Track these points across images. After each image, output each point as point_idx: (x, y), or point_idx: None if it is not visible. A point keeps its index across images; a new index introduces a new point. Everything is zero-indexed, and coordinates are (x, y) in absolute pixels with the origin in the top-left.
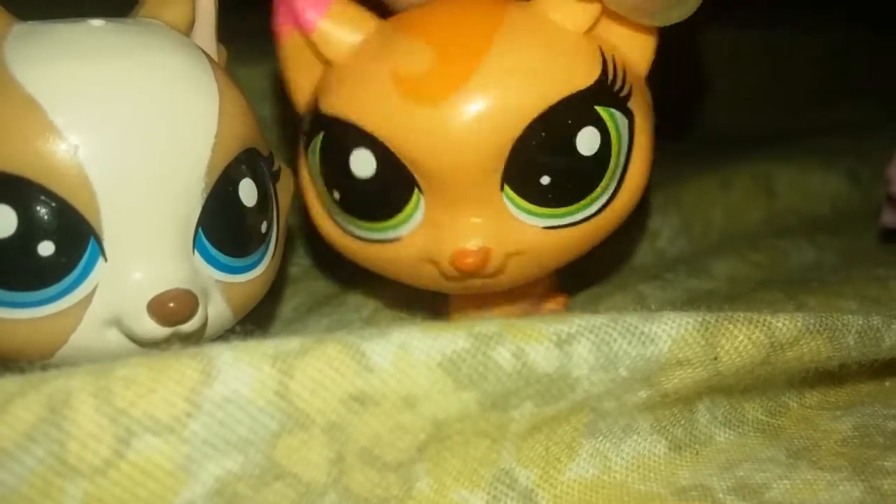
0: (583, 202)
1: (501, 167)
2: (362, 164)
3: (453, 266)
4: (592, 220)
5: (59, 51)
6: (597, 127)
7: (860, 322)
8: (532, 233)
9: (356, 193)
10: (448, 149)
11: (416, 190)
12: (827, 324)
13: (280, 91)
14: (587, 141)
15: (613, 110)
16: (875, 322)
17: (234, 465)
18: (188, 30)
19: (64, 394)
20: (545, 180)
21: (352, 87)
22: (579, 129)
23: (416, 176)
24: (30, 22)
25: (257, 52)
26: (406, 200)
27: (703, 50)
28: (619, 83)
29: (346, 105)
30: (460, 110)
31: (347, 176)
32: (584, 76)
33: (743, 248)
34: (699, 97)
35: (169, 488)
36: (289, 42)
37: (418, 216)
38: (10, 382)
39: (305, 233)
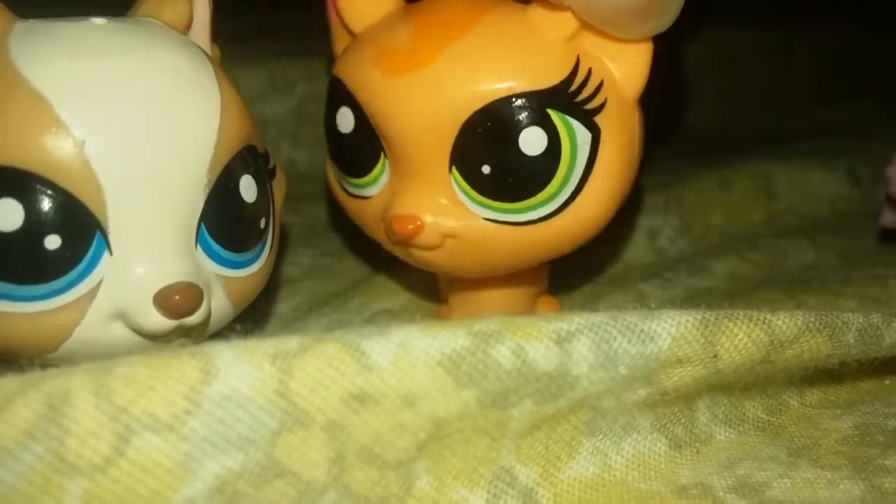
0: (526, 202)
1: (449, 148)
2: (345, 120)
3: (390, 229)
4: (540, 226)
5: (64, 48)
6: (545, 129)
7: (860, 320)
8: (473, 220)
9: (340, 148)
10: (405, 119)
11: (382, 154)
12: (827, 322)
13: (277, 92)
14: (532, 141)
15: (570, 119)
16: (875, 320)
17: (235, 463)
18: (186, 29)
19: (64, 392)
20: (486, 169)
21: (350, 54)
22: (525, 126)
23: (382, 141)
24: (32, 20)
25: (255, 53)
26: (375, 162)
27: (703, 50)
28: (585, 94)
29: (342, 68)
30: (420, 85)
31: (334, 129)
32: (543, 78)
33: (743, 248)
34: (699, 98)
35: (169, 486)
36: (335, 29)
37: (383, 180)
38: (11, 381)
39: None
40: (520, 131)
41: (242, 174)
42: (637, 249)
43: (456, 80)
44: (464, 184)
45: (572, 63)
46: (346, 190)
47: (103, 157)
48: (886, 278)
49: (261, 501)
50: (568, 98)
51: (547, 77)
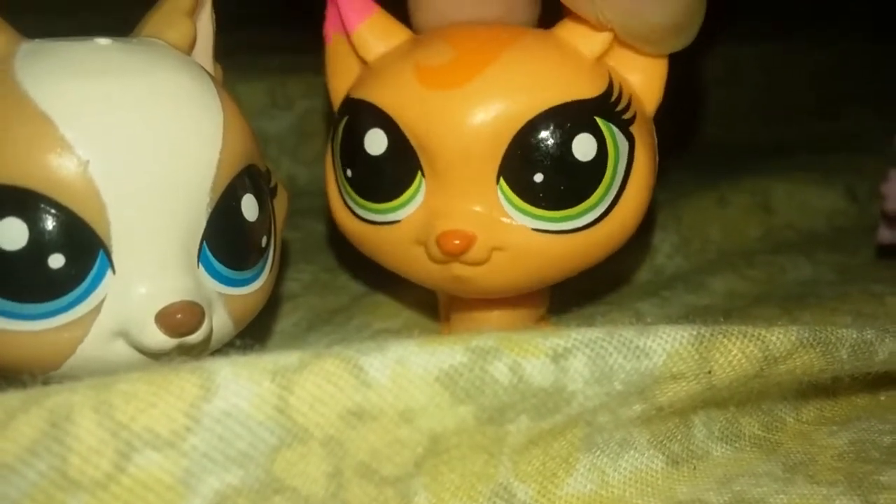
0: (574, 209)
1: (499, 159)
2: (375, 142)
3: (438, 245)
4: (582, 234)
5: (69, 68)
6: (594, 136)
7: (854, 336)
8: (520, 231)
9: (366, 171)
10: (452, 133)
11: (419, 173)
12: (820, 337)
13: (277, 108)
14: (583, 146)
15: (614, 127)
16: (868, 336)
17: (234, 479)
18: (189, 49)
19: (65, 408)
20: (538, 178)
21: (377, 76)
22: (577, 133)
23: (420, 158)
24: (37, 40)
25: (255, 68)
26: (409, 183)
27: (701, 64)
28: (622, 105)
29: (369, 89)
30: (468, 98)
31: (361, 153)
32: (588, 89)
33: (740, 264)
34: (697, 112)
35: (169, 502)
36: (333, 45)
37: (418, 200)
38: (12, 397)
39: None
40: (573, 138)
41: (244, 193)
42: (635, 268)
43: (507, 90)
44: (511, 195)
45: (606, 76)
46: (363, 219)
47: (107, 176)
48: (883, 295)
49: None
50: (611, 107)
51: (591, 88)
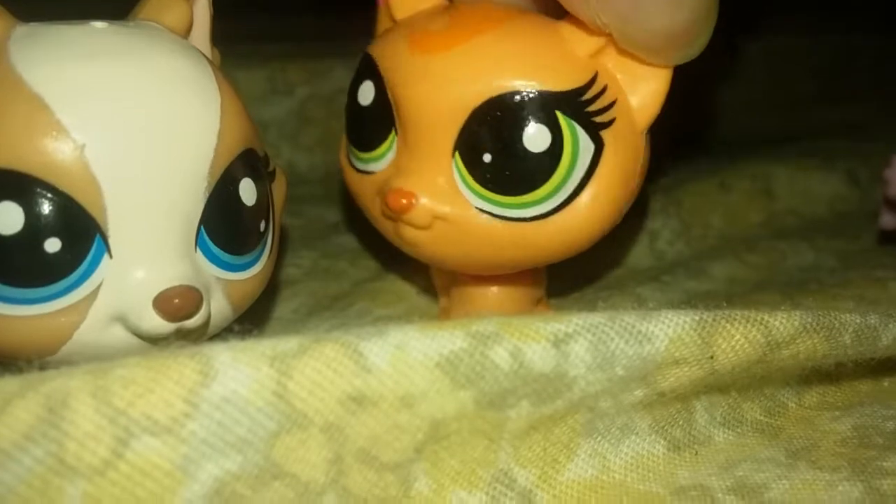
0: (518, 198)
1: (457, 131)
2: (365, 93)
3: (385, 200)
4: (527, 225)
5: (64, 51)
6: (550, 129)
7: (857, 321)
8: (463, 206)
9: (355, 119)
10: (421, 96)
11: (392, 130)
12: (824, 322)
13: (277, 94)
14: (535, 137)
15: (577, 125)
16: (872, 321)
17: (233, 465)
18: (186, 33)
19: (62, 394)
20: (486, 157)
21: (385, 35)
22: (531, 122)
23: (395, 116)
24: (32, 23)
25: (255, 55)
26: (384, 138)
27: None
28: (596, 107)
29: (374, 46)
30: (442, 66)
31: (354, 102)
32: (560, 82)
33: (741, 250)
34: (699, 100)
35: (167, 488)
36: (381, 15)
37: (389, 156)
38: (9, 383)
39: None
40: (525, 126)
41: (242, 177)
42: (636, 252)
43: (475, 66)
44: (463, 170)
45: (590, 76)
46: (353, 165)
47: (103, 160)
48: (885, 280)
49: (259, 503)
50: (579, 105)
51: (563, 81)
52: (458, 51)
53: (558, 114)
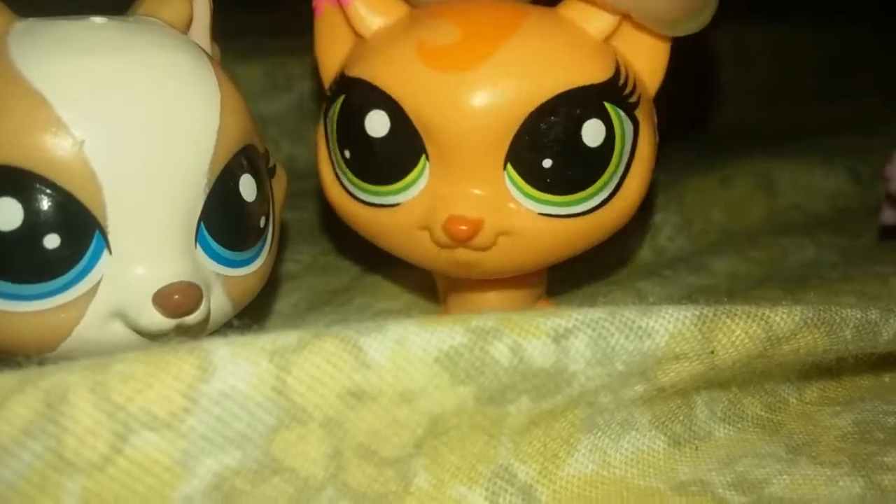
0: (580, 194)
1: (507, 144)
2: (377, 124)
3: (445, 231)
4: (587, 218)
5: (64, 47)
6: (603, 121)
7: (858, 316)
8: (527, 216)
9: (366, 153)
10: (460, 117)
11: (423, 157)
12: (824, 318)
13: (276, 89)
14: (592, 132)
15: (621, 111)
16: (873, 316)
17: (232, 461)
18: (186, 28)
19: (61, 389)
20: (547, 163)
21: (377, 54)
22: (587, 118)
23: (425, 142)
24: (31, 19)
25: (254, 50)
26: (412, 166)
27: (706, 47)
28: (628, 89)
29: (369, 69)
30: (478, 82)
31: (361, 135)
32: (598, 73)
33: (743, 245)
34: (701, 94)
35: (166, 483)
36: (324, 18)
37: (421, 184)
38: (7, 378)
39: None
40: (583, 123)
41: (242, 173)
42: (637, 248)
43: (517, 75)
44: (519, 180)
45: (613, 60)
46: (361, 201)
47: (102, 156)
48: (886, 276)
49: (259, 498)
50: (619, 92)
51: (600, 72)
52: (490, 63)
53: (606, 105)
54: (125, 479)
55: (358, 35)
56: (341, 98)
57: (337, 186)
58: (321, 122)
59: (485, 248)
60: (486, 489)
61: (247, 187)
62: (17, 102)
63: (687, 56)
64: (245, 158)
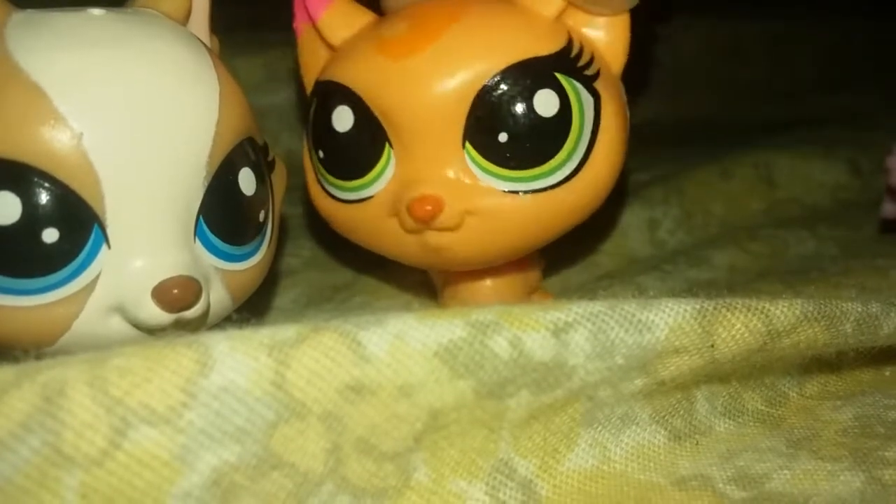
0: (542, 167)
1: (462, 122)
2: (342, 119)
3: (409, 213)
4: (553, 193)
5: (62, 39)
6: (556, 91)
7: (858, 309)
8: (491, 193)
9: (336, 150)
10: (414, 100)
11: (386, 145)
12: (825, 311)
13: (275, 82)
14: (545, 102)
15: (576, 82)
16: (873, 309)
17: (231, 456)
18: (184, 20)
19: (59, 383)
20: (503, 137)
21: (342, 57)
22: (537, 89)
23: (386, 130)
24: (29, 10)
25: (254, 44)
26: (378, 156)
27: (704, 39)
28: (583, 61)
29: (334, 70)
30: (427, 64)
31: (330, 132)
32: (545, 46)
33: (743, 238)
34: (700, 87)
35: (165, 478)
36: (303, 37)
37: (388, 173)
38: (5, 372)
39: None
40: (534, 94)
41: (241, 167)
42: (637, 241)
43: (465, 52)
44: (479, 157)
45: (565, 34)
46: (337, 199)
47: (101, 149)
48: (887, 269)
49: (258, 493)
50: (571, 63)
51: (549, 45)
52: (437, 45)
53: (557, 75)
54: (124, 474)
55: (330, 47)
56: (314, 102)
57: (318, 189)
58: (305, 131)
59: (451, 229)
60: (487, 483)
61: (246, 181)
62: (16, 95)
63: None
64: (244, 151)
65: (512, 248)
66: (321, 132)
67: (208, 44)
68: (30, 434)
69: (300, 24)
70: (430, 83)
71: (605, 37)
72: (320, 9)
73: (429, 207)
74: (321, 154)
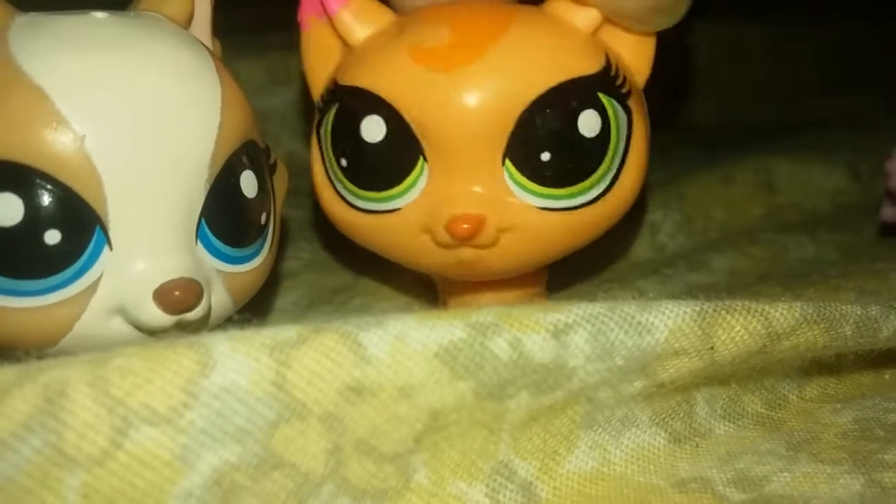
0: (579, 186)
1: (505, 140)
2: (372, 129)
3: (447, 231)
4: (586, 210)
5: (65, 42)
6: (598, 111)
7: (858, 312)
8: (527, 211)
9: (363, 160)
10: (457, 115)
11: (420, 158)
12: (824, 314)
13: (277, 84)
14: (588, 123)
15: (614, 101)
16: (873, 312)
17: (232, 456)
18: (187, 23)
19: (61, 384)
20: (545, 156)
21: (370, 60)
22: (582, 110)
23: (422, 143)
24: (31, 13)
25: (255, 46)
26: (410, 169)
27: (704, 43)
28: (620, 80)
29: (362, 75)
30: (473, 80)
31: (357, 142)
32: (589, 64)
33: (743, 242)
34: (700, 91)
35: (167, 479)
36: (311, 31)
37: (420, 186)
38: (7, 372)
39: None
40: (579, 114)
41: (243, 170)
42: (637, 245)
43: (511, 70)
44: (518, 175)
45: (603, 52)
46: (359, 208)
47: (104, 151)
48: (886, 272)
49: (259, 493)
50: (611, 82)
51: (591, 64)
52: (483, 61)
53: (600, 95)
54: (125, 474)
55: (346, 45)
56: (335, 107)
57: (334, 197)
58: (314, 132)
59: (487, 246)
60: (486, 485)
61: (248, 183)
62: (18, 98)
63: (685, 52)
64: (246, 154)
65: (542, 259)
66: (346, 141)
67: (210, 47)
68: (31, 434)
69: (307, 17)
70: (475, 98)
71: (633, 53)
72: (337, 4)
73: (467, 226)
74: (344, 163)
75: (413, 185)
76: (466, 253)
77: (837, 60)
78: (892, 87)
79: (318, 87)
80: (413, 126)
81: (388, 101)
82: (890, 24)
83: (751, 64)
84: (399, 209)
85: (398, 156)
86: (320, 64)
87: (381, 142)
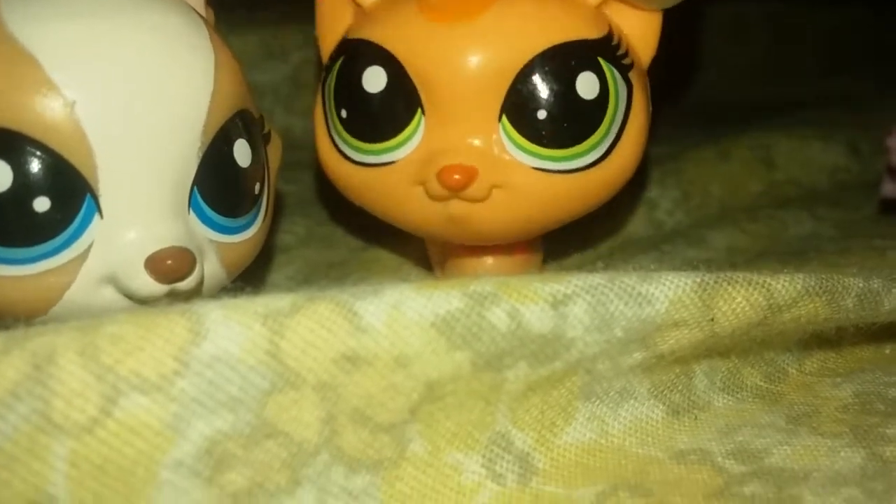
0: (575, 148)
1: (503, 95)
2: (374, 79)
3: (439, 180)
4: (580, 175)
5: (56, 9)
6: (597, 75)
7: (860, 285)
8: (521, 169)
9: (363, 110)
10: (456, 66)
11: (419, 110)
12: (826, 286)
13: (270, 59)
14: (586, 85)
15: (615, 70)
16: (875, 285)
17: (224, 424)
18: None
19: (49, 351)
20: (541, 115)
21: (378, 16)
22: (581, 71)
23: (421, 95)
24: None
25: (249, 20)
26: (408, 120)
27: (705, 20)
28: (622, 50)
29: (369, 29)
30: (474, 33)
31: (358, 92)
32: (592, 30)
33: (741, 219)
34: (700, 67)
35: (157, 447)
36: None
37: (416, 138)
38: None
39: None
40: (577, 75)
41: (237, 138)
42: (635, 222)
43: (514, 26)
44: (514, 132)
45: (608, 23)
46: (356, 162)
47: (94, 118)
48: (884, 249)
49: (251, 463)
50: (612, 50)
51: (594, 30)
52: (489, 14)
53: (600, 60)
54: (114, 443)
55: (358, 5)
56: (340, 60)
57: (332, 151)
58: (319, 91)
59: (478, 200)
60: (483, 456)
61: (241, 152)
62: (8, 64)
63: (686, 30)
64: (240, 122)
65: (533, 225)
66: (348, 91)
67: (204, 14)
68: (18, 402)
69: None
70: (476, 52)
71: (639, 31)
72: None
73: (458, 176)
74: (344, 114)
75: (410, 137)
76: (456, 207)
77: (837, 39)
78: (892, 66)
79: (327, 47)
80: (413, 77)
81: (391, 52)
82: (890, 1)
83: (751, 41)
84: (394, 162)
85: (397, 107)
86: (332, 25)
87: (381, 92)
